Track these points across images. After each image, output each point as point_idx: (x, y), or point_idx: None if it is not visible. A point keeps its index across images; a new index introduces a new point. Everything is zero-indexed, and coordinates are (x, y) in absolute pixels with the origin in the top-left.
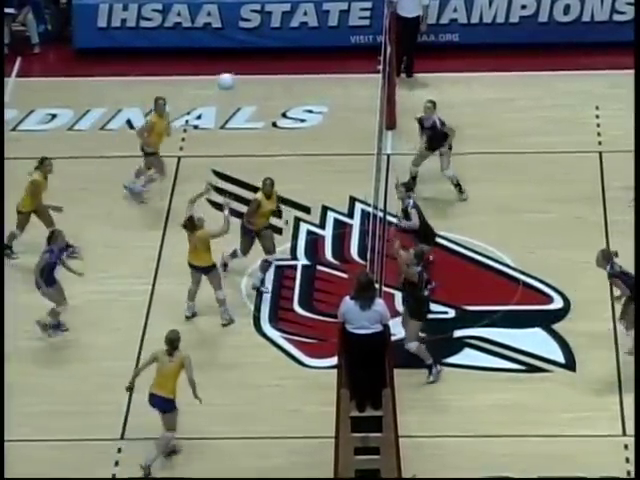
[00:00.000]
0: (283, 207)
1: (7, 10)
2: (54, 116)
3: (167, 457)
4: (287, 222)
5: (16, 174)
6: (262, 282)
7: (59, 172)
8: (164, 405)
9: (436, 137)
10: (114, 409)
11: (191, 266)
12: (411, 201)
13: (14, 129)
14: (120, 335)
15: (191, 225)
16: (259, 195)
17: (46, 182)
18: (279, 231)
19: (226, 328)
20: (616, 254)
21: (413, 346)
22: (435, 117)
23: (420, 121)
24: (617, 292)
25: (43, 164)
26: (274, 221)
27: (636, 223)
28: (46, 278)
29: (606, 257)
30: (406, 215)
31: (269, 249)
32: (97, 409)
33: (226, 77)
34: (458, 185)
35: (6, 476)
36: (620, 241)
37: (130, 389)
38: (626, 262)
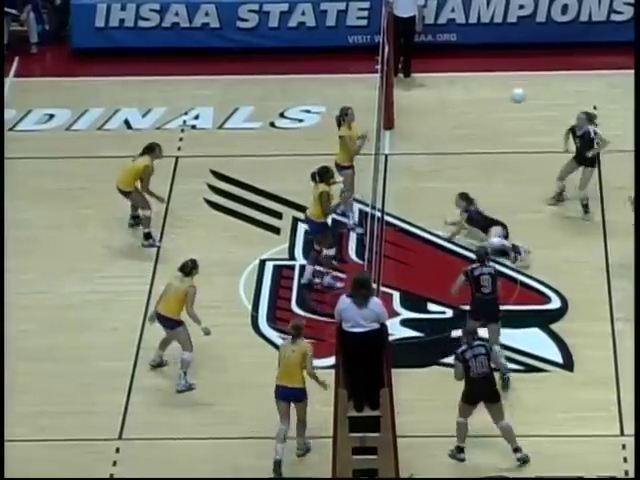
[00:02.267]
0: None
1: (8, 10)
2: (52, 116)
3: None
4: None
5: (15, 173)
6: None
7: (57, 172)
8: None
9: (586, 149)
10: (112, 409)
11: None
12: None
13: (12, 129)
14: (117, 335)
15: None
16: (325, 187)
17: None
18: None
19: (224, 328)
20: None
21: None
22: (590, 128)
23: (572, 129)
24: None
25: (154, 151)
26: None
27: (636, 223)
28: None
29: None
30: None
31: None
32: (94, 409)
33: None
34: (586, 206)
35: (5, 476)
36: (618, 240)
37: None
38: (624, 261)
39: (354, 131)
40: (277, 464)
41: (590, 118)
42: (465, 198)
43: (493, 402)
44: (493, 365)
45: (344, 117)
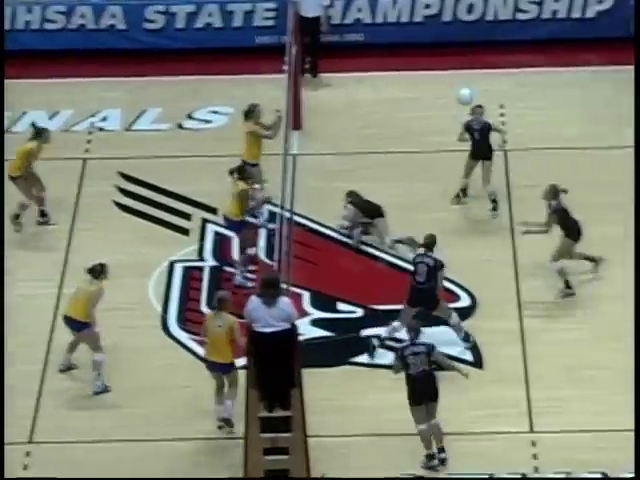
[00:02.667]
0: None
1: None
2: None
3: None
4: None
5: None
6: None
7: None
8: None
9: (484, 143)
10: (22, 413)
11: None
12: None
13: None
14: (26, 339)
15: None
16: (245, 185)
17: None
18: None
19: (135, 330)
20: (564, 190)
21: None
22: (487, 120)
23: (468, 126)
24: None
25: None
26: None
27: (636, 223)
28: None
29: (552, 191)
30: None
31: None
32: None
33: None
34: (494, 202)
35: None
36: (526, 239)
37: None
38: (532, 259)
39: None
40: (225, 421)
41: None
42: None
43: (432, 401)
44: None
45: (250, 113)
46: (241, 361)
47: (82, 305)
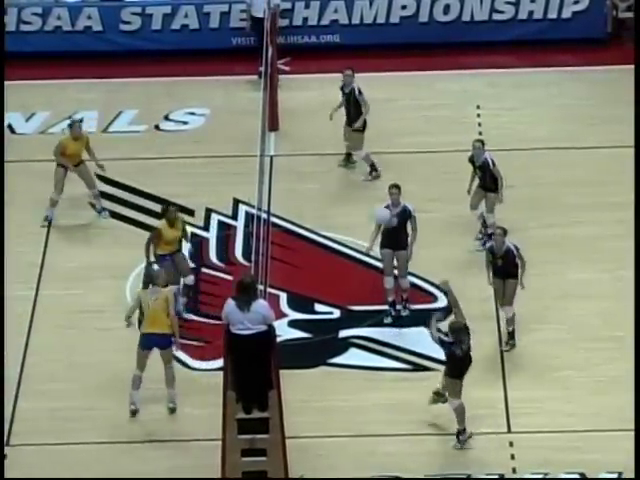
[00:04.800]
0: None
1: None
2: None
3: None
4: None
5: None
6: (184, 307)
7: None
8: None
9: (488, 177)
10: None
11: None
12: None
13: None
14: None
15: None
16: (161, 223)
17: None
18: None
19: (109, 332)
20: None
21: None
22: (487, 155)
23: (471, 160)
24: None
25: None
26: None
27: (636, 223)
28: None
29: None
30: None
31: (185, 272)
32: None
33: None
34: (486, 235)
35: None
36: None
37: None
38: None
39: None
40: (134, 414)
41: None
42: None
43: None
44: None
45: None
46: (218, 363)
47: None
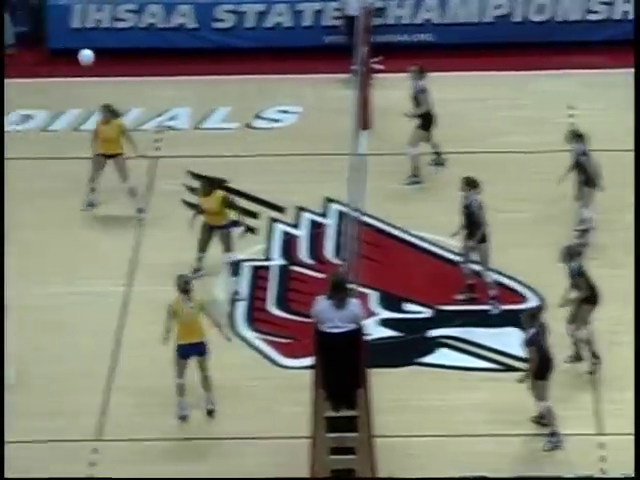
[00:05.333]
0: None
1: None
2: (29, 117)
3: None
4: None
5: None
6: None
7: (35, 172)
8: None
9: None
10: (89, 410)
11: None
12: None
13: None
14: (94, 337)
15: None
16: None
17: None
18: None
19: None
20: (579, 253)
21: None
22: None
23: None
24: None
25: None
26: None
27: (636, 222)
28: None
29: (570, 254)
30: None
31: (227, 248)
32: (73, 410)
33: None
34: (583, 230)
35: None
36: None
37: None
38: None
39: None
40: (184, 419)
41: (577, 136)
42: None
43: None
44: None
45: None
46: (308, 361)
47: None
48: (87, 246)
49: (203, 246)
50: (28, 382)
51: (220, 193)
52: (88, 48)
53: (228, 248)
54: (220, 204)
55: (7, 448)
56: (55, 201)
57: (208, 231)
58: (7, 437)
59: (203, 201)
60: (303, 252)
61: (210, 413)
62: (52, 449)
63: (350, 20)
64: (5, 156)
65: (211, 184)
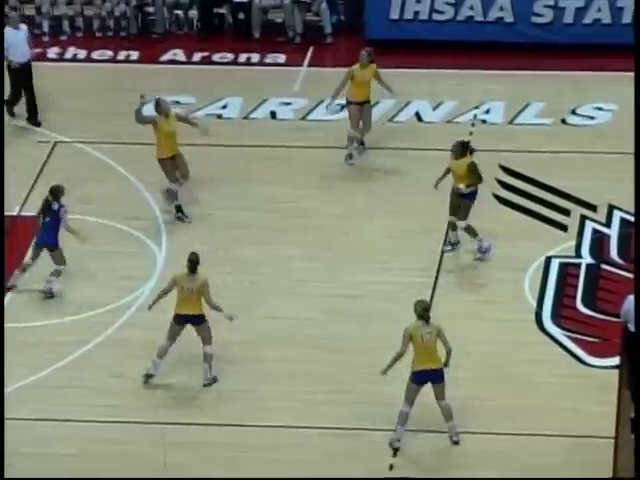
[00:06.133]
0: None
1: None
2: (342, 107)
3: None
4: None
5: (303, 162)
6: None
7: (343, 161)
8: None
9: None
10: (387, 399)
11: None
12: None
13: (303, 118)
14: (398, 327)
15: (194, 266)
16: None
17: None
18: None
19: (508, 323)
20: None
21: None
22: None
23: None
24: None
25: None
26: None
27: (636, 222)
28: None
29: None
30: None
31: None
32: (371, 399)
33: None
34: None
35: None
36: None
37: None
38: None
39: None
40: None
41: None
42: None
43: None
44: None
45: (157, 107)
46: (615, 360)
47: (197, 298)
48: (393, 236)
49: (452, 211)
50: (325, 368)
51: (469, 159)
52: (405, 39)
53: (463, 216)
54: (467, 169)
55: (296, 434)
56: (359, 190)
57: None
58: (299, 422)
59: (453, 163)
60: (614, 251)
61: (456, 443)
62: (350, 437)
63: None
64: (314, 144)
65: (464, 148)
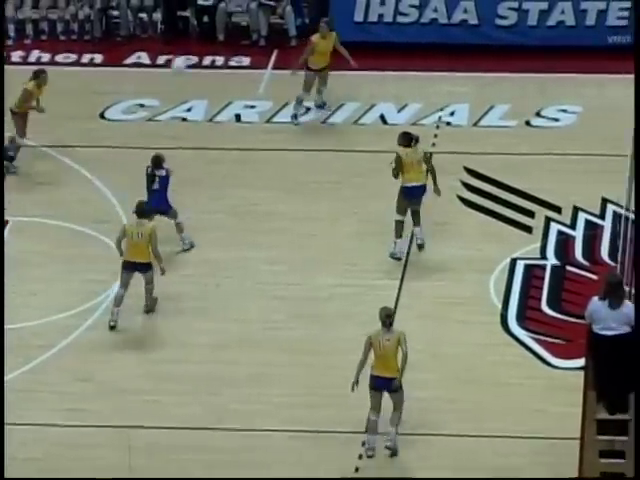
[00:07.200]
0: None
1: (266, 2)
2: (308, 109)
3: None
4: None
5: (269, 165)
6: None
7: (310, 164)
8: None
9: None
10: (355, 402)
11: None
12: None
13: (268, 121)
14: (365, 329)
15: (141, 212)
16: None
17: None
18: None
19: (472, 325)
20: None
21: None
22: None
23: None
24: None
25: (39, 76)
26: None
27: (636, 221)
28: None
29: None
30: None
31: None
32: (341, 401)
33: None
34: None
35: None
36: None
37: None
38: None
39: None
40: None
41: None
42: None
43: None
44: None
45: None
46: (580, 362)
47: (146, 248)
48: (358, 239)
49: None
50: (297, 371)
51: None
52: (370, 42)
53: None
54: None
55: (274, 437)
56: (325, 194)
57: None
58: (277, 426)
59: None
60: (578, 253)
61: (389, 449)
62: (321, 439)
63: None
64: (279, 147)
65: (409, 139)
